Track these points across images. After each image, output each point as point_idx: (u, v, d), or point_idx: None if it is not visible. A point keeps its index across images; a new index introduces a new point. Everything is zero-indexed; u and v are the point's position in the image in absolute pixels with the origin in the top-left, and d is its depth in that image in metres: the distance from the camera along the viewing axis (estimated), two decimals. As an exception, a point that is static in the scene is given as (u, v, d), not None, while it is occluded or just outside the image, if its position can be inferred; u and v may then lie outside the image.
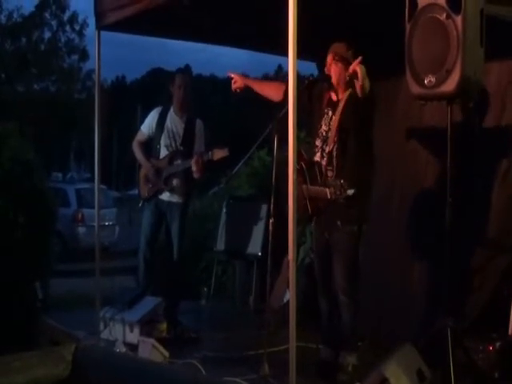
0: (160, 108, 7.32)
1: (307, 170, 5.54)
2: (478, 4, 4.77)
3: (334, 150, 5.48)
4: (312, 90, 5.73)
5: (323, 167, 5.52)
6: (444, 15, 4.77)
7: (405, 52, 5.06)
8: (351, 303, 5.47)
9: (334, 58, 5.59)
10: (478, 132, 6.15)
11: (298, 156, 5.11)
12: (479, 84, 4.98)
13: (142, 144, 7.31)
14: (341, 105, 5.57)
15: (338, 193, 5.10)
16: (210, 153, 6.78)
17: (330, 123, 5.60)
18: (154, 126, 7.23)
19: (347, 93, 5.57)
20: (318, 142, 5.63)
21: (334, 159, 5.48)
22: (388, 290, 6.54)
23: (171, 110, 7.22)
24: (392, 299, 6.47)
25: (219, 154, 6.75)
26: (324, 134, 5.61)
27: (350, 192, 5.07)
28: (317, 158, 5.59)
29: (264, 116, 6.21)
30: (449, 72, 4.73)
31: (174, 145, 7.12)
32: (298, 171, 5.18)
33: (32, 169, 5.20)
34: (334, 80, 5.59)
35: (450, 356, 4.65)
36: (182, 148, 7.07)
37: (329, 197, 5.19)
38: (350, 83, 5.49)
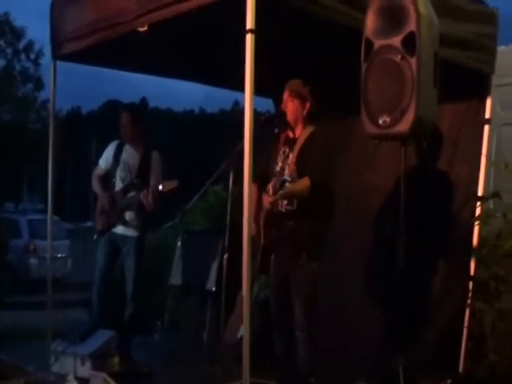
0: (117, 141, 7.30)
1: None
2: (432, 47, 4.86)
3: None
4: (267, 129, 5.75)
5: (280, 205, 5.54)
6: (399, 57, 4.84)
7: (360, 91, 5.13)
8: (308, 339, 5.45)
9: (290, 95, 5.62)
10: (431, 172, 6.25)
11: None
12: (432, 124, 5.06)
13: (100, 178, 7.27)
14: (299, 142, 5.58)
15: (276, 185, 5.17)
16: (160, 185, 6.78)
17: (286, 161, 5.63)
18: (111, 159, 7.21)
19: (307, 130, 5.60)
20: (274, 181, 5.60)
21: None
22: (341, 327, 6.53)
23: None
24: (345, 336, 6.47)
25: (168, 185, 6.72)
26: (280, 171, 5.60)
27: (285, 178, 5.13)
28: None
29: (220, 150, 6.24)
30: (403, 112, 4.78)
31: (129, 177, 7.10)
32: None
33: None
34: (289, 117, 5.62)
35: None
36: (136, 180, 7.05)
37: (270, 193, 5.26)
38: (308, 120, 5.56)
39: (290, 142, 5.67)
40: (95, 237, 7.32)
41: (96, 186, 7.29)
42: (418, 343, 5.82)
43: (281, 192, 5.16)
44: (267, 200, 5.38)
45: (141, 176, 7.06)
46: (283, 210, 5.48)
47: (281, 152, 5.69)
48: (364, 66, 5.09)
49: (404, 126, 4.80)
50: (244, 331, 4.55)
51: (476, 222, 5.94)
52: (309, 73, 5.78)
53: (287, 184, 5.11)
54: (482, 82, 6.00)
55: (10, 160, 36.42)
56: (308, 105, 5.62)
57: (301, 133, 5.63)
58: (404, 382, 4.71)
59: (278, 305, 5.69)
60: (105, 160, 7.26)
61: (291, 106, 5.62)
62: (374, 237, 6.55)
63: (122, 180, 7.11)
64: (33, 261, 19.17)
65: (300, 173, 5.40)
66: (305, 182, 5.27)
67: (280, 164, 5.65)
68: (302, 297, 5.47)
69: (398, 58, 4.86)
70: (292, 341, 5.52)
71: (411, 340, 5.45)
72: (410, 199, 5.02)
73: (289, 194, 5.28)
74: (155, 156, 7.19)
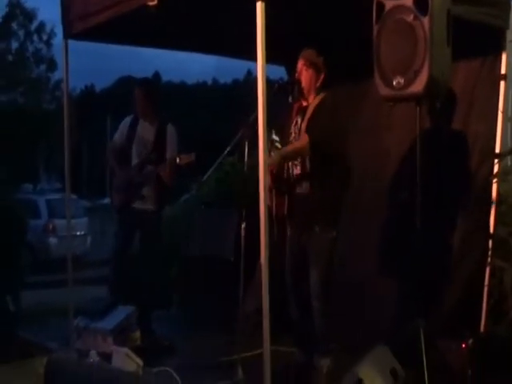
0: (131, 116, 7.29)
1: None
2: (444, 5, 4.80)
3: None
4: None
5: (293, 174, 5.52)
6: (411, 16, 4.79)
7: (373, 54, 5.07)
8: (324, 308, 5.47)
9: (305, 64, 5.60)
10: (445, 132, 6.19)
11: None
12: (447, 84, 5.01)
13: (116, 153, 7.26)
14: (309, 109, 5.57)
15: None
16: (177, 159, 6.77)
17: (299, 129, 5.60)
18: (125, 134, 7.20)
19: (319, 97, 5.58)
20: None
21: (306, 163, 5.48)
22: (360, 292, 6.54)
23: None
24: (364, 302, 6.48)
25: (185, 159, 6.73)
26: (293, 140, 5.61)
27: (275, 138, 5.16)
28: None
29: (234, 121, 6.20)
30: (417, 73, 4.75)
31: (144, 152, 7.08)
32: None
33: (0, 182, 5.14)
34: (304, 85, 5.59)
35: (424, 355, 4.66)
36: (152, 155, 7.03)
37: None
38: (320, 89, 5.53)
39: (303, 111, 5.66)
40: (113, 213, 7.33)
41: (111, 160, 7.28)
42: (438, 304, 5.81)
43: (272, 153, 5.14)
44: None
45: (156, 150, 7.05)
46: (293, 175, 5.49)
47: (294, 121, 5.70)
48: (376, 28, 5.06)
49: (418, 86, 4.76)
50: (263, 300, 4.54)
51: (494, 180, 5.88)
52: (320, 37, 5.73)
53: (276, 144, 5.11)
54: (496, 38, 5.89)
55: (27, 141, 36.56)
56: (322, 75, 5.61)
57: (313, 100, 5.62)
58: (425, 343, 4.69)
59: (294, 274, 5.69)
60: (119, 135, 7.25)
61: (306, 76, 5.60)
62: (390, 200, 6.52)
63: (138, 155, 7.10)
64: (52, 240, 19.26)
65: (310, 137, 5.37)
66: (302, 140, 5.28)
67: (293, 134, 5.65)
68: (319, 265, 5.47)
69: (410, 18, 4.81)
70: (308, 309, 5.54)
71: (431, 302, 5.44)
72: (426, 160, 4.98)
73: (287, 153, 5.33)
74: (170, 130, 7.17)
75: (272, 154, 5.26)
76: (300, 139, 5.34)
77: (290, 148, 5.40)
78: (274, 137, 5.22)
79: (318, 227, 5.46)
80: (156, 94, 7.49)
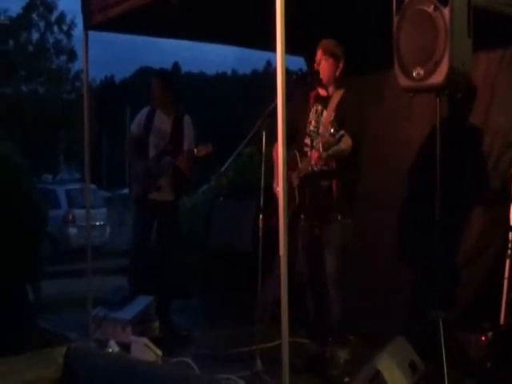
0: (148, 107, 7.30)
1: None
2: (465, -5, 4.77)
3: None
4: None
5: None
6: (431, 7, 4.77)
7: (393, 45, 5.04)
8: (340, 297, 5.47)
9: (324, 54, 5.57)
10: (466, 123, 6.15)
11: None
12: (467, 75, 4.98)
13: (134, 144, 7.28)
14: (334, 101, 5.55)
15: (331, 140, 5.04)
16: (194, 150, 6.78)
17: (319, 118, 5.58)
18: (143, 125, 7.21)
19: (340, 91, 5.56)
20: (308, 140, 5.60)
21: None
22: (379, 283, 6.53)
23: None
24: (383, 293, 6.46)
25: (203, 150, 6.75)
26: (314, 130, 5.59)
27: (342, 132, 5.02)
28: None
29: (253, 112, 6.19)
30: (437, 64, 4.73)
31: (162, 143, 7.09)
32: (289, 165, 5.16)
33: (21, 172, 5.17)
34: (323, 75, 5.57)
35: (443, 347, 4.64)
36: (170, 146, 7.04)
37: (321, 150, 5.14)
38: (340, 81, 5.51)
39: (323, 100, 5.63)
40: (131, 203, 7.35)
41: (129, 152, 7.31)
42: (458, 297, 5.80)
43: (336, 148, 5.08)
44: (315, 155, 5.29)
45: (173, 141, 7.06)
46: (317, 169, 5.45)
47: (313, 110, 5.66)
48: (396, 19, 5.04)
49: (438, 77, 4.74)
50: (282, 291, 4.54)
51: (514, 172, 5.84)
52: (339, 28, 5.71)
53: (343, 139, 5.03)
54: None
55: (47, 132, 36.70)
56: (341, 64, 5.59)
57: (334, 91, 5.60)
58: (444, 336, 4.68)
59: (309, 263, 5.70)
60: (137, 126, 7.26)
61: (325, 65, 5.58)
62: (410, 191, 6.50)
63: (155, 146, 7.11)
64: (72, 230, 19.33)
65: (335, 128, 5.28)
66: (348, 142, 5.17)
67: (313, 123, 5.62)
68: (335, 251, 5.47)
69: (430, 9, 4.79)
70: (323, 299, 5.55)
71: (450, 294, 5.42)
72: (445, 151, 4.95)
73: (340, 152, 5.18)
74: (187, 120, 7.18)
75: (335, 147, 5.10)
76: (346, 141, 5.12)
77: (343, 148, 5.19)
78: (343, 132, 5.09)
79: (333, 216, 5.46)
80: (173, 85, 7.48)
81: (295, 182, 5.54)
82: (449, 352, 4.67)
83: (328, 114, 5.53)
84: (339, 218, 5.46)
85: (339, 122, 5.38)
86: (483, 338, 5.20)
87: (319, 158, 5.26)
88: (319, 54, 5.60)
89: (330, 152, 5.12)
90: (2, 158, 5.03)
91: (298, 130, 5.62)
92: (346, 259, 5.50)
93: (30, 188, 5.19)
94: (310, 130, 5.61)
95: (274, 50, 4.62)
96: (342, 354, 5.48)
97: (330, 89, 5.61)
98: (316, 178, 5.50)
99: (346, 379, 5.16)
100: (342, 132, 5.01)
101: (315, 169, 5.47)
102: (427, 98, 5.20)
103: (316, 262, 5.59)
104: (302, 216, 5.67)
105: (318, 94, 5.67)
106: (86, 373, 4.35)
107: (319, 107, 5.62)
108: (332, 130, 5.08)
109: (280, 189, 4.62)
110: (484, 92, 6.07)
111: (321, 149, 5.15)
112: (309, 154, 5.53)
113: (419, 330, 5.05)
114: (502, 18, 5.45)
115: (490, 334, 5.22)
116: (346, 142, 5.14)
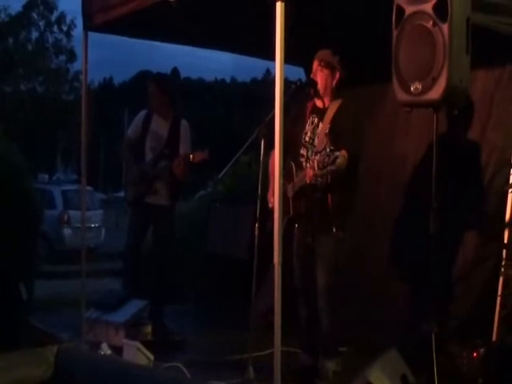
0: (145, 111, 7.32)
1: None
2: (464, 12, 4.78)
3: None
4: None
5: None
6: (431, 23, 4.77)
7: (391, 59, 5.07)
8: (330, 309, 5.48)
9: (319, 65, 5.60)
10: (463, 139, 6.18)
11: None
12: (465, 91, 4.98)
13: (131, 147, 7.31)
14: (330, 113, 5.55)
15: (326, 160, 5.04)
16: (190, 155, 6.81)
17: (315, 130, 5.61)
18: (140, 129, 7.24)
19: (337, 103, 5.58)
20: (303, 151, 5.63)
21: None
22: (372, 296, 6.55)
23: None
24: (376, 305, 6.48)
25: (199, 156, 6.79)
26: (309, 141, 5.61)
27: (337, 154, 5.03)
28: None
29: (251, 119, 6.22)
30: (435, 79, 4.73)
31: (158, 147, 7.12)
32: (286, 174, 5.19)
33: (18, 171, 5.18)
34: (320, 86, 5.59)
35: (434, 362, 4.65)
36: (165, 150, 7.07)
37: (316, 169, 5.12)
38: (337, 91, 5.53)
39: (319, 112, 5.64)
40: (127, 206, 7.37)
41: (127, 155, 7.34)
42: (451, 311, 5.82)
43: (331, 168, 5.08)
44: (310, 173, 5.30)
45: (170, 145, 7.09)
46: (314, 182, 5.47)
47: (309, 121, 5.68)
48: (395, 33, 5.04)
49: (436, 93, 4.74)
50: (275, 300, 4.56)
51: (510, 190, 5.87)
52: (339, 40, 5.74)
53: (338, 160, 5.03)
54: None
55: (44, 131, 36.61)
56: (337, 75, 5.61)
57: (330, 103, 5.61)
58: (436, 350, 4.70)
59: (303, 274, 5.70)
60: (134, 129, 7.30)
61: (321, 76, 5.60)
62: (406, 205, 6.51)
63: (152, 150, 7.15)
64: (67, 231, 19.32)
65: (335, 145, 5.31)
66: (343, 160, 5.14)
67: (309, 134, 5.64)
68: (326, 266, 5.48)
69: (429, 24, 4.79)
70: (316, 311, 5.55)
71: (443, 309, 5.44)
72: (442, 167, 4.98)
73: (334, 171, 5.16)
74: (184, 125, 7.22)
75: (331, 167, 5.06)
76: (342, 156, 5.10)
77: (340, 166, 5.14)
78: (337, 153, 5.09)
79: (328, 227, 5.46)
80: (170, 89, 7.52)
81: (290, 194, 5.56)
82: (440, 366, 4.69)
83: (323, 127, 5.53)
84: (334, 230, 5.46)
85: (334, 134, 5.41)
86: (475, 354, 5.21)
87: (314, 175, 5.27)
88: (315, 64, 5.63)
89: (324, 171, 5.15)
90: (0, 156, 5.05)
91: (295, 140, 5.61)
92: (338, 273, 5.50)
93: (26, 187, 5.20)
94: (306, 141, 5.63)
95: (273, 59, 4.65)
96: (331, 366, 5.49)
97: (326, 100, 5.62)
98: (311, 191, 5.51)
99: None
100: (337, 154, 5.03)
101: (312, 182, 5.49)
102: (425, 112, 5.21)
103: (309, 272, 5.60)
104: (297, 225, 5.68)
105: (315, 105, 5.69)
106: (76, 373, 4.38)
107: (315, 119, 5.63)
108: (328, 150, 5.11)
109: (276, 197, 4.65)
110: (481, 109, 6.10)
111: (316, 167, 5.17)
112: (304, 164, 5.56)
113: (412, 344, 5.07)
114: (501, 37, 5.50)
115: (482, 350, 5.23)
116: (342, 161, 5.12)
